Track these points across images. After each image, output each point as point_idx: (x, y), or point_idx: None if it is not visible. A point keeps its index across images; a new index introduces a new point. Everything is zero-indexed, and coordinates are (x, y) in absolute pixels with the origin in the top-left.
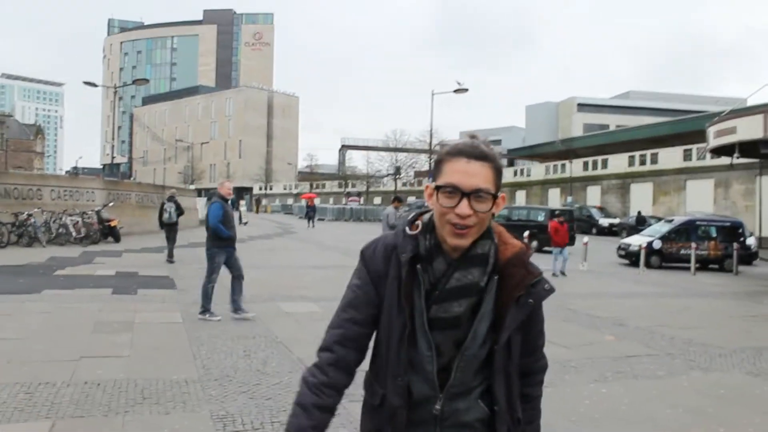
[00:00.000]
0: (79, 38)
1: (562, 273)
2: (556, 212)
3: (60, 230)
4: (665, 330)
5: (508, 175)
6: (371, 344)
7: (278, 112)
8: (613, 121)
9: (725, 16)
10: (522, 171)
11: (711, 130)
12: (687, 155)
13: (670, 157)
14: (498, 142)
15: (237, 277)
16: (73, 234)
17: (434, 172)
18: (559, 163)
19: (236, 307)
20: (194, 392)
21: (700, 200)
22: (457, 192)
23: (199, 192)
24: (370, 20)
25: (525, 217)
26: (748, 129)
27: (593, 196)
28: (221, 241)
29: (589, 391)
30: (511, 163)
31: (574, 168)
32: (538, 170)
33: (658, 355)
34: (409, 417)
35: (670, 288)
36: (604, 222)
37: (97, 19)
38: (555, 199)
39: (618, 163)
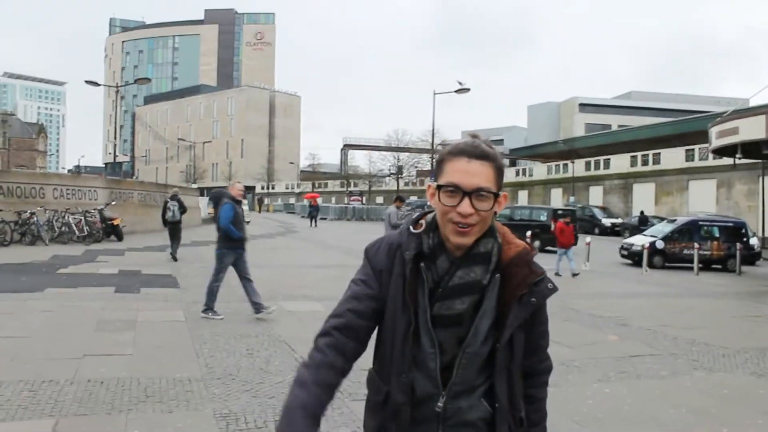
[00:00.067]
0: (80, 38)
1: (574, 274)
2: (559, 212)
3: (63, 229)
4: (668, 330)
5: (510, 175)
6: (373, 343)
7: (280, 112)
8: (615, 121)
9: (725, 16)
10: (524, 171)
11: (713, 131)
12: (689, 155)
13: (673, 157)
14: (500, 141)
15: (244, 279)
16: (76, 232)
17: (436, 172)
18: (561, 163)
19: (257, 308)
20: (197, 391)
21: (702, 200)
22: (458, 191)
23: (201, 191)
24: (370, 20)
25: (527, 216)
26: (751, 129)
27: (596, 196)
28: (232, 242)
29: (592, 391)
30: (513, 163)
31: (577, 168)
32: (540, 170)
33: (662, 355)
34: (412, 415)
35: (673, 288)
36: (607, 222)
37: (98, 18)
38: (557, 199)
39: (620, 163)
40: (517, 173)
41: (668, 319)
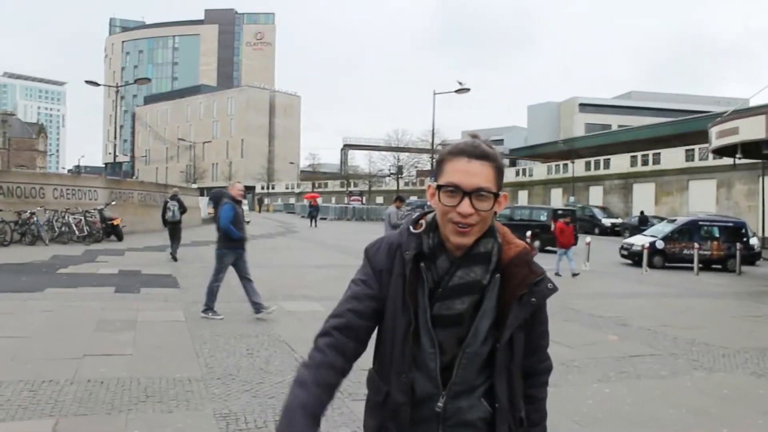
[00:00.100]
0: (79, 38)
1: (574, 274)
2: (559, 212)
3: (63, 229)
4: (668, 330)
5: (510, 175)
6: (373, 343)
7: (280, 112)
8: (615, 121)
9: (725, 15)
10: (524, 171)
11: (713, 131)
12: (689, 155)
13: (673, 157)
14: (500, 141)
15: (244, 279)
16: (76, 232)
17: (436, 172)
18: (561, 163)
19: (257, 308)
20: (197, 391)
21: (702, 200)
22: (458, 191)
23: (201, 191)
24: (370, 20)
25: (527, 216)
26: (751, 129)
27: (596, 196)
28: (232, 242)
29: (592, 391)
30: (513, 163)
31: (577, 168)
32: (540, 170)
33: (662, 355)
34: (412, 415)
35: (673, 288)
36: (607, 222)
37: (98, 18)
38: (557, 199)
39: (620, 163)
40: (517, 173)
41: (668, 319)
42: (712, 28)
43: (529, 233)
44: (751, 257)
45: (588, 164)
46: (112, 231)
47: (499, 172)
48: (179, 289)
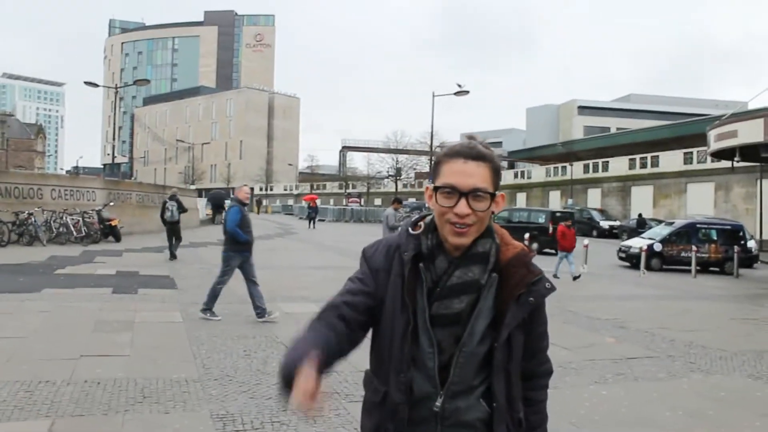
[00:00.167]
0: (79, 38)
1: (574, 277)
2: (557, 214)
3: (60, 229)
4: (666, 332)
5: (508, 177)
6: (369, 343)
7: (279, 113)
8: (614, 123)
9: (725, 17)
10: (522, 173)
11: (712, 134)
12: (687, 158)
13: (671, 160)
14: (499, 144)
15: (250, 282)
16: (74, 233)
17: (433, 173)
18: (559, 165)
19: (260, 312)
20: (194, 392)
21: (700, 203)
22: (455, 192)
23: (199, 192)
24: (370, 20)
25: (526, 219)
26: (749, 133)
27: (594, 198)
28: (238, 245)
29: (589, 393)
30: (511, 165)
31: (575, 170)
32: (538, 172)
33: (659, 357)
34: (410, 415)
35: (671, 290)
36: (605, 224)
37: (97, 19)
38: (555, 201)
39: (618, 165)
40: (516, 175)
41: (666, 321)
42: (713, 29)
43: (527, 236)
44: (748, 260)
45: (586, 167)
46: (110, 232)
47: (496, 173)
48: (177, 290)
